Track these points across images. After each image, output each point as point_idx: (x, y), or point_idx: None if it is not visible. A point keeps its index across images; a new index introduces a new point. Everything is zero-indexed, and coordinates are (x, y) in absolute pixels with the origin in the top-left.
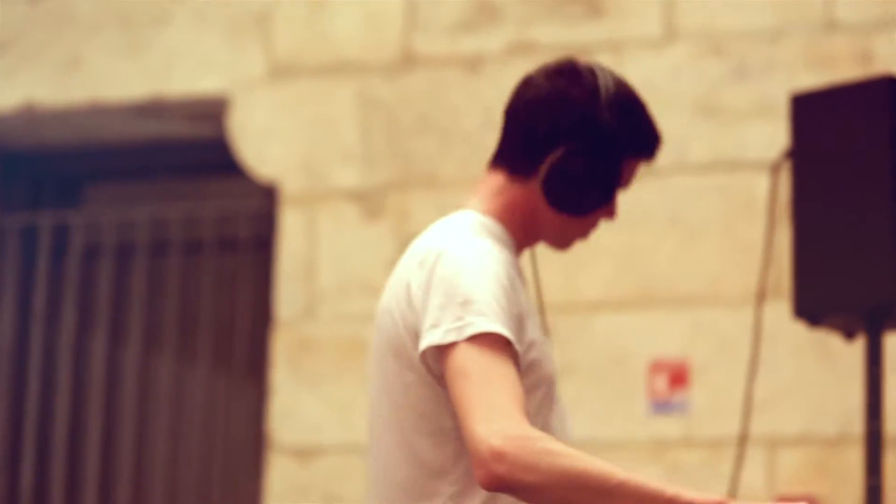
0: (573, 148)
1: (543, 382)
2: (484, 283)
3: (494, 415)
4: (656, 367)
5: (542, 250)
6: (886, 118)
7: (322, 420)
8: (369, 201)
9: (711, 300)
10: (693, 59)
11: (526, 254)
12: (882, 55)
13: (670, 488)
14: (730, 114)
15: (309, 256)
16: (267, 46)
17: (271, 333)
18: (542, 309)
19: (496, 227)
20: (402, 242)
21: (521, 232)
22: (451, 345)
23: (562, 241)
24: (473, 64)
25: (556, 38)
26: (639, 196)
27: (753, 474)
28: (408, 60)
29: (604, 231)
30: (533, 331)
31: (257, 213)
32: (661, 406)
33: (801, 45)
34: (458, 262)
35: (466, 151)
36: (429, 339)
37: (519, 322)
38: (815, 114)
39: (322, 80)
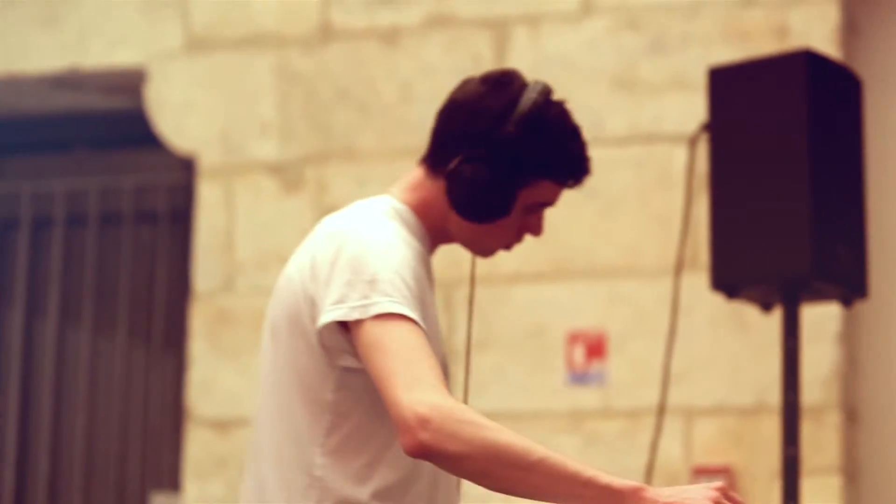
0: (473, 154)
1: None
2: (391, 263)
3: (419, 383)
4: (574, 338)
5: None
6: (803, 92)
7: (240, 392)
8: (287, 174)
9: (628, 272)
10: (610, 33)
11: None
12: (797, 29)
13: (588, 470)
14: (646, 87)
15: (227, 229)
16: (184, 19)
17: (189, 306)
18: (470, 317)
19: (411, 217)
20: (321, 215)
21: (436, 229)
22: (359, 322)
23: (477, 248)
24: (391, 37)
25: (474, 12)
26: None
27: (670, 444)
28: (325, 33)
29: None
30: (430, 319)
31: (175, 185)
32: (579, 377)
33: (718, 19)
34: (367, 242)
35: (384, 124)
36: (333, 314)
37: (421, 307)
38: (732, 87)
39: (240, 52)
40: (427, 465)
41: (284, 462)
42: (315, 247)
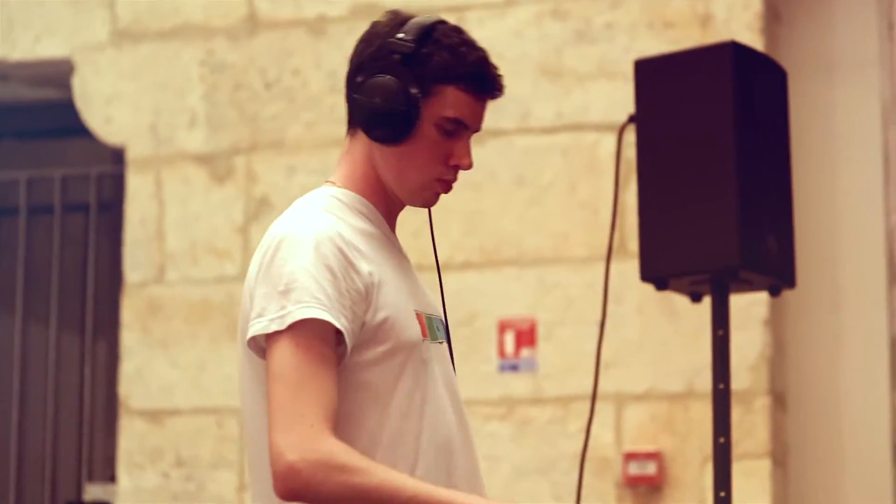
0: (373, 73)
1: (402, 348)
2: (308, 268)
3: (297, 425)
4: (504, 326)
5: None
6: (729, 83)
7: (173, 382)
8: (216, 164)
9: (557, 259)
10: (535, 22)
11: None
12: (720, 17)
13: (460, 497)
14: (572, 76)
15: (156, 220)
16: (111, 10)
17: (121, 297)
18: (438, 272)
19: (351, 198)
20: (250, 205)
21: (375, 190)
22: (275, 335)
23: (409, 188)
24: (318, 27)
25: (401, 1)
26: (484, 157)
27: (601, 430)
28: (252, 24)
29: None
30: (390, 296)
31: (105, 175)
32: (510, 365)
33: (642, 7)
34: (287, 250)
35: (312, 114)
36: (253, 329)
37: (360, 296)
38: (658, 79)
39: (167, 44)
40: (434, 442)
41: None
42: (254, 259)
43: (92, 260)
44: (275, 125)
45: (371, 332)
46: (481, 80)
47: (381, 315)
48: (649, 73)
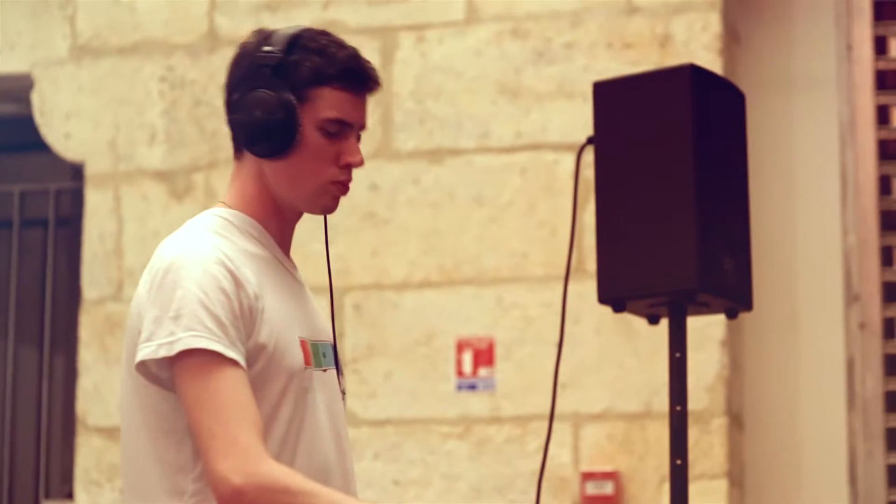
0: (247, 89)
1: (281, 376)
2: (199, 293)
3: (233, 449)
4: (462, 345)
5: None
6: (687, 106)
7: None
8: (175, 181)
9: (515, 279)
10: (494, 42)
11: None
12: (680, 38)
13: None
14: (531, 95)
15: (115, 236)
16: (71, 26)
17: (79, 312)
18: (331, 295)
19: (241, 219)
20: None
21: (268, 211)
22: (180, 361)
23: (306, 196)
24: None
25: (360, 19)
26: (442, 176)
27: (559, 450)
28: (213, 41)
29: (408, 210)
30: (273, 322)
31: (64, 191)
32: (468, 384)
33: (601, 27)
34: (175, 274)
35: None
36: (142, 353)
37: (245, 320)
38: (617, 101)
39: (127, 59)
40: (309, 470)
41: (163, 493)
42: (143, 281)
43: (50, 275)
44: None
45: (252, 357)
46: (354, 76)
47: (261, 341)
48: (608, 95)
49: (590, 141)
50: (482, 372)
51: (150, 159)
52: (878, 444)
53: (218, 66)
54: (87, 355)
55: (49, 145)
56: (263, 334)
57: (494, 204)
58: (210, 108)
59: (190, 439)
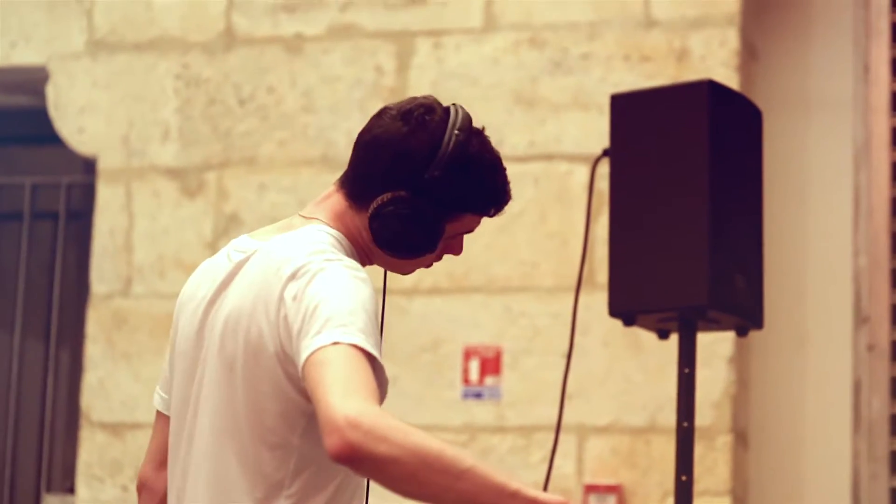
0: (398, 196)
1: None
2: (362, 304)
3: (352, 393)
4: (470, 353)
5: None
6: (704, 122)
7: (135, 396)
8: (187, 179)
9: (525, 289)
10: (512, 50)
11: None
12: (697, 53)
13: (514, 483)
14: (547, 105)
15: (125, 232)
16: (88, 20)
17: (86, 307)
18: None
19: (347, 246)
20: (219, 221)
21: (360, 256)
22: (324, 346)
23: (401, 271)
24: (294, 45)
25: (378, 23)
26: None
27: (563, 462)
28: (229, 39)
29: None
30: None
31: (76, 185)
32: (474, 392)
33: (619, 40)
34: (336, 282)
35: (285, 133)
36: (314, 345)
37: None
38: (634, 114)
39: (143, 56)
40: None
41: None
42: (277, 286)
43: (59, 269)
44: (247, 142)
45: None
46: (499, 203)
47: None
48: (625, 108)
49: (605, 153)
50: (488, 380)
51: (162, 156)
52: (883, 467)
53: (233, 65)
54: (93, 350)
55: (62, 139)
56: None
57: (506, 213)
58: (224, 107)
59: (295, 457)
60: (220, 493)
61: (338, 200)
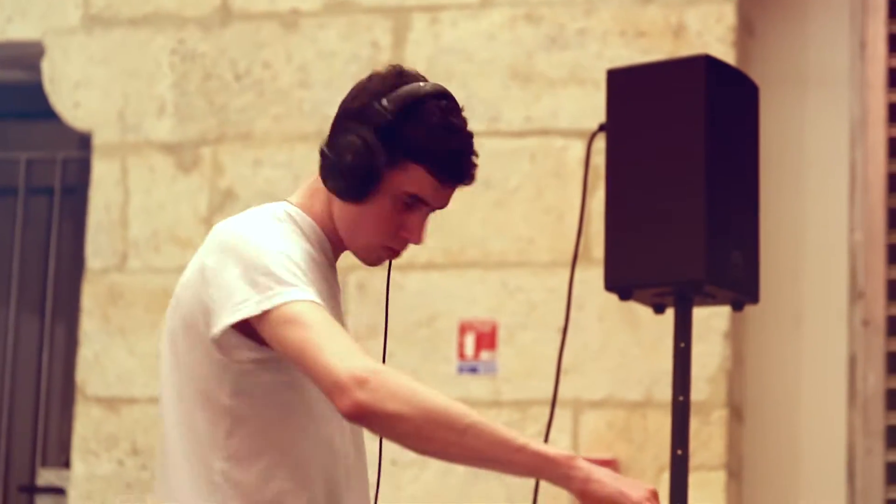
0: (344, 128)
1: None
2: (284, 252)
3: (349, 352)
4: (465, 328)
5: None
6: (701, 96)
7: (131, 370)
8: (183, 154)
9: (521, 264)
10: (508, 26)
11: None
12: (693, 28)
13: (521, 438)
14: (543, 81)
15: (120, 207)
16: None
17: (82, 282)
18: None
19: (305, 221)
20: (215, 196)
21: (327, 223)
22: (267, 313)
23: (358, 243)
24: (290, 21)
25: (374, 0)
26: None
27: (558, 436)
28: (225, 14)
29: None
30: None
31: (71, 160)
32: (469, 366)
33: (615, 15)
34: (256, 240)
35: (281, 108)
36: (240, 313)
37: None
38: (630, 89)
39: (138, 31)
40: (324, 473)
41: (190, 469)
42: (205, 253)
43: (54, 244)
44: (243, 117)
45: None
46: (452, 168)
47: None
48: (622, 83)
49: (602, 128)
50: (484, 355)
51: (158, 131)
52: (878, 442)
53: (229, 41)
54: (88, 325)
55: (58, 114)
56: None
57: (502, 188)
58: (220, 82)
59: (227, 418)
60: (172, 455)
61: (316, 178)
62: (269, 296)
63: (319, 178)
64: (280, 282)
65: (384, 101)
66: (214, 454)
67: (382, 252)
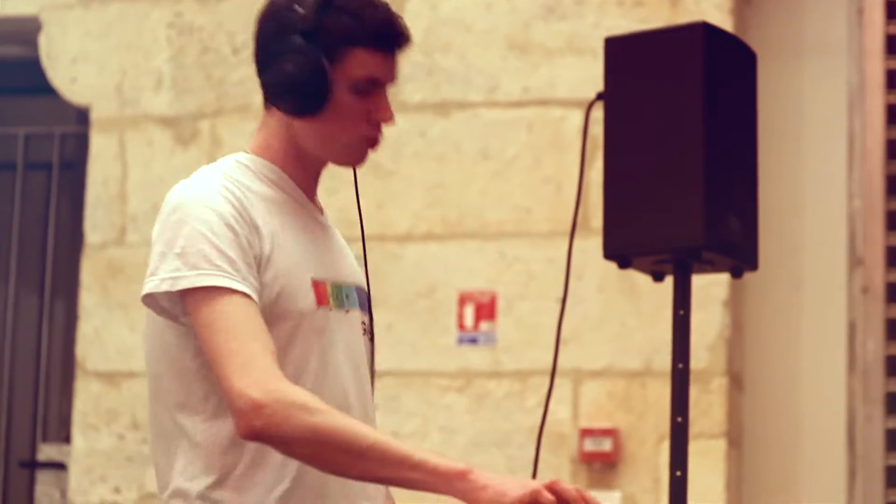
0: (273, 51)
1: (290, 313)
2: (203, 230)
3: (249, 367)
4: (464, 298)
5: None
6: (699, 64)
7: (130, 345)
8: (181, 128)
9: (519, 234)
10: None
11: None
12: None
13: (419, 453)
14: (541, 51)
15: (119, 181)
16: None
17: (81, 257)
18: (363, 241)
19: (259, 164)
20: None
21: (294, 161)
22: (184, 294)
23: (337, 152)
24: None
25: None
26: (449, 129)
27: (558, 406)
28: None
29: (413, 162)
30: (281, 262)
31: (69, 135)
32: (469, 337)
33: None
34: (182, 211)
35: None
36: (147, 287)
37: (257, 255)
38: (628, 57)
39: (135, 4)
40: None
41: (171, 436)
42: (158, 218)
43: (53, 219)
44: (241, 90)
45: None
46: (386, 36)
47: (265, 281)
48: (619, 51)
49: (600, 97)
50: (483, 326)
51: (156, 105)
52: (878, 408)
53: (227, 14)
54: (87, 300)
55: (55, 89)
56: (268, 276)
57: (500, 158)
58: (217, 55)
59: (199, 381)
60: (154, 426)
61: (263, 116)
62: (175, 276)
63: (268, 115)
64: (190, 265)
65: (297, 7)
66: (193, 419)
67: (363, 144)
